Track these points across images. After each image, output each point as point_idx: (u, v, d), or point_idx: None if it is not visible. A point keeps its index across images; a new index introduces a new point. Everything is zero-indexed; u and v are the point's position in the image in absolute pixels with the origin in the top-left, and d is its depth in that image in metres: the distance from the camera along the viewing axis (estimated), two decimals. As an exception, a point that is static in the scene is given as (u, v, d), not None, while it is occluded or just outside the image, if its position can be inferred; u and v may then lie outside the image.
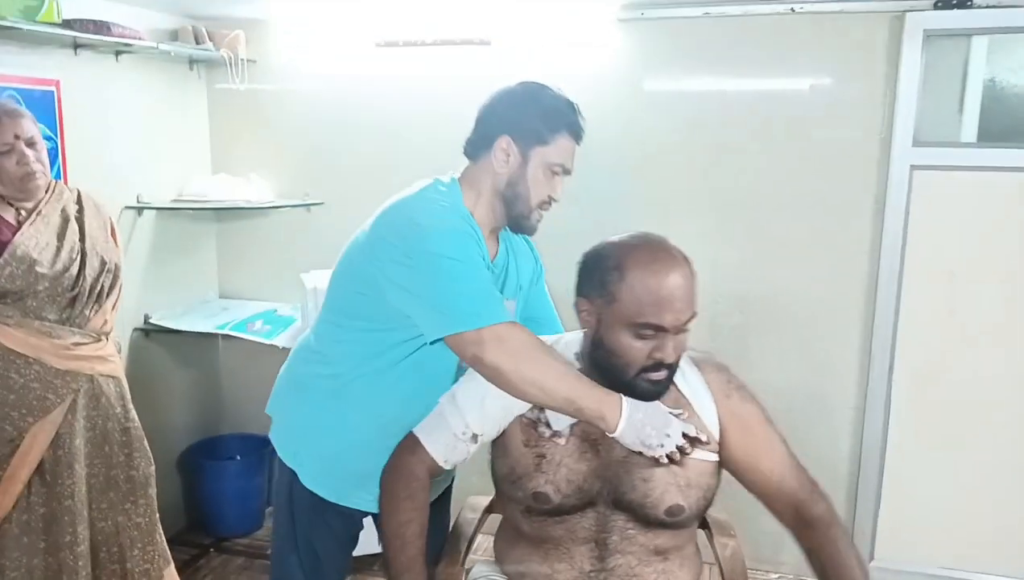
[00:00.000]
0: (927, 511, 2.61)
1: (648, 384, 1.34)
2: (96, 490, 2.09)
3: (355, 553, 1.73)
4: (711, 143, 2.59)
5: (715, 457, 1.41)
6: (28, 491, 2.00)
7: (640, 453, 1.35)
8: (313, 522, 1.61)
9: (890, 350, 2.54)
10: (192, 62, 2.78)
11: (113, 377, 2.11)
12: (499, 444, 1.46)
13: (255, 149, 2.91)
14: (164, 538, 2.24)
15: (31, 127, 1.95)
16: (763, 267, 2.61)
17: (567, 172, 1.55)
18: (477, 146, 1.55)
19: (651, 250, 1.35)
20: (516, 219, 1.55)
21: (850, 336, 2.59)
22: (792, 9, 2.44)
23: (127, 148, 2.55)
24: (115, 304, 2.15)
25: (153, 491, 2.18)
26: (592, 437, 1.39)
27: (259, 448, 2.97)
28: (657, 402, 1.35)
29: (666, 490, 1.36)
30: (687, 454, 1.34)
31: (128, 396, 2.15)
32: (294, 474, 1.59)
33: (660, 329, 1.31)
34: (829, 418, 2.63)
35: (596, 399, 1.34)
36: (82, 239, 2.04)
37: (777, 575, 2.73)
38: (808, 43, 2.47)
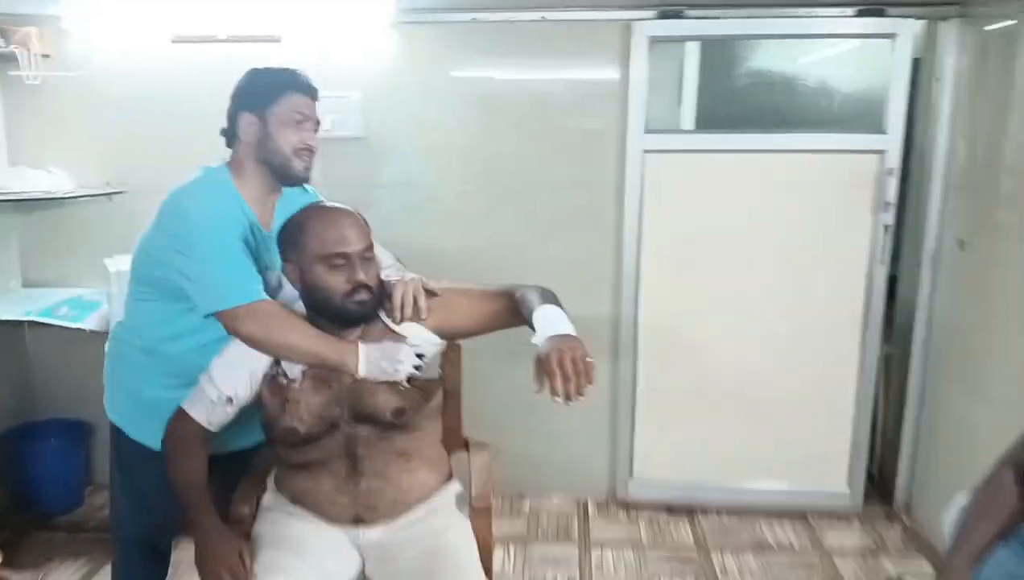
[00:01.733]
0: (674, 436, 3.15)
1: (355, 306, 1.68)
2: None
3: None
4: (481, 133, 2.97)
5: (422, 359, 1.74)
6: None
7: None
8: (136, 468, 1.95)
9: (635, 300, 3.04)
10: (-19, 57, 2.85)
11: None
12: (257, 402, 1.77)
13: (53, 141, 3.00)
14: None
15: None
16: (530, 240, 3.04)
17: (309, 119, 1.84)
18: (231, 133, 1.87)
19: (320, 206, 1.75)
20: (281, 171, 1.84)
21: (604, 288, 3.06)
22: (543, 17, 2.86)
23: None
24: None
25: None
26: (323, 374, 1.72)
27: (75, 430, 3.10)
28: (387, 346, 1.70)
29: (388, 398, 1.71)
30: (421, 370, 1.71)
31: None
32: (119, 429, 1.95)
33: (345, 256, 1.66)
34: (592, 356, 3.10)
35: (337, 350, 1.70)
36: None
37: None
38: (559, 46, 2.90)
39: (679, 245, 3.01)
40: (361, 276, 1.67)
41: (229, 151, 1.90)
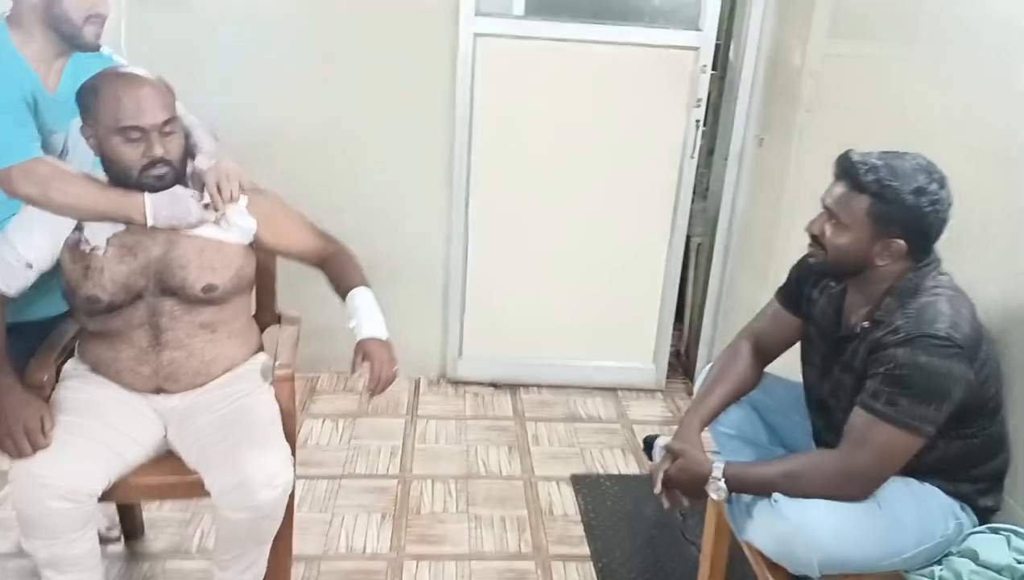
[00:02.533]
0: (501, 317, 3.30)
1: (152, 180, 1.68)
2: None
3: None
4: (311, 9, 2.90)
5: (242, 242, 1.82)
6: None
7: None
8: None
9: (465, 186, 3.11)
10: None
11: None
12: (58, 267, 1.74)
13: None
14: None
15: None
16: (361, 120, 3.02)
17: None
18: None
19: (116, 73, 1.69)
20: (71, 39, 1.74)
21: (438, 174, 3.11)
22: None
23: None
24: None
25: None
26: (129, 244, 1.72)
27: None
28: (176, 191, 1.71)
29: (200, 273, 1.74)
30: (218, 211, 1.74)
31: None
32: None
33: (141, 129, 1.64)
34: (424, 241, 3.19)
35: (120, 205, 1.67)
36: None
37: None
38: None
39: (507, 131, 3.08)
40: (159, 151, 1.65)
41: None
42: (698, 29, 2.98)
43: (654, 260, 3.26)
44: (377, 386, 1.72)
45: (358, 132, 3.03)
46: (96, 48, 1.78)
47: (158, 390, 1.79)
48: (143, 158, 1.65)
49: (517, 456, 2.84)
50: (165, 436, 1.80)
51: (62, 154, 1.81)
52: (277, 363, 1.88)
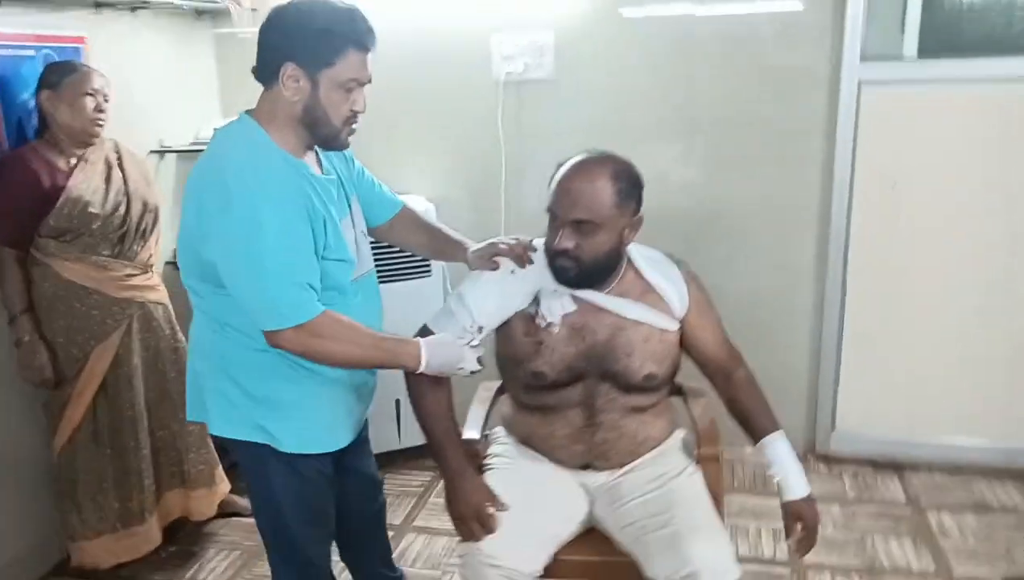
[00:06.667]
0: (880, 388, 2.96)
1: (557, 270, 1.65)
2: (152, 403, 2.39)
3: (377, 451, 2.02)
4: (674, 67, 2.83)
5: (677, 330, 1.74)
6: (94, 406, 2.29)
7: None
8: (307, 485, 1.66)
9: (843, 252, 2.85)
10: (199, 12, 2.99)
11: (161, 303, 2.40)
12: (503, 334, 1.76)
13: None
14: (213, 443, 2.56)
15: (104, 81, 2.22)
16: (727, 184, 2.88)
17: (363, 84, 1.52)
18: (264, 74, 1.50)
19: (577, 156, 1.66)
20: (325, 141, 1.56)
21: (806, 242, 2.89)
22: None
23: (147, 97, 2.78)
24: (157, 240, 2.42)
25: (203, 401, 2.48)
26: (578, 326, 1.69)
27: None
28: (446, 338, 1.65)
29: (644, 362, 1.68)
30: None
31: (174, 320, 2.43)
32: (269, 450, 1.60)
33: (554, 215, 1.62)
34: (790, 316, 2.96)
35: (399, 354, 1.57)
36: (125, 183, 2.29)
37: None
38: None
39: (893, 188, 2.78)
40: (558, 242, 1.63)
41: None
42: None
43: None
44: (807, 550, 1.68)
45: (727, 195, 2.89)
46: (346, 148, 1.62)
47: (586, 466, 1.75)
48: (552, 245, 1.65)
49: (926, 551, 2.47)
50: (590, 512, 1.75)
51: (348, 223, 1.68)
52: (700, 441, 1.76)
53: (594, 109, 2.89)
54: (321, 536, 1.76)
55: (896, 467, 2.96)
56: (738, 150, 2.86)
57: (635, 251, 1.76)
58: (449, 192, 3.04)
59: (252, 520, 2.43)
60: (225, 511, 2.64)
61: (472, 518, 1.60)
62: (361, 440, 1.82)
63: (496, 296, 1.71)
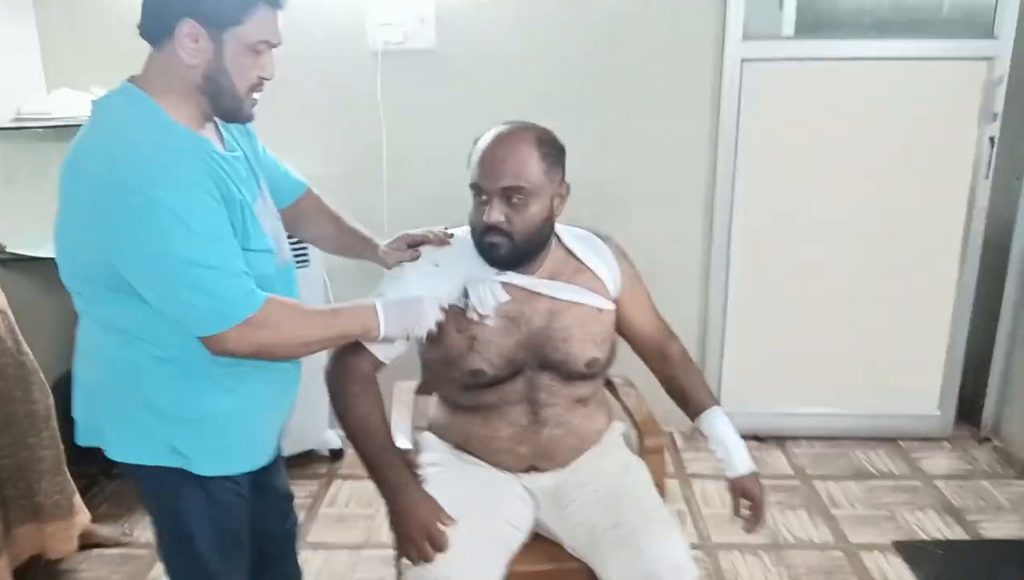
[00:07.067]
0: (765, 359, 3.03)
1: (487, 248, 1.52)
2: (-5, 428, 2.03)
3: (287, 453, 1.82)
4: (560, 44, 2.73)
5: (613, 310, 1.65)
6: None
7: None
8: (230, 508, 1.43)
9: (728, 221, 2.88)
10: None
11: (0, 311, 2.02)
12: (433, 335, 1.57)
13: (94, 61, 2.72)
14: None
15: None
16: (615, 158, 2.83)
17: (273, 47, 1.32)
18: (154, 31, 1.26)
19: (497, 127, 1.55)
20: (227, 113, 1.33)
21: (695, 208, 2.90)
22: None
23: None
24: (-10, 233, 2.04)
25: (55, 422, 2.13)
26: (512, 315, 1.56)
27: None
28: (410, 298, 1.47)
29: (584, 346, 1.57)
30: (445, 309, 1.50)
31: (16, 328, 2.06)
32: (182, 475, 1.35)
33: (480, 190, 1.50)
34: (678, 292, 2.95)
35: (354, 321, 1.39)
36: None
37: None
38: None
39: (776, 160, 2.84)
40: (491, 217, 1.49)
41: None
42: (993, 37, 2.68)
43: (941, 293, 2.94)
44: (757, 525, 1.65)
45: (615, 168, 2.84)
46: (250, 120, 1.37)
47: (529, 468, 1.62)
48: (481, 223, 1.51)
49: (821, 521, 2.55)
50: (536, 517, 1.63)
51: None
52: (644, 433, 1.69)
53: (479, 83, 2.74)
54: (239, 566, 1.50)
55: (779, 440, 3.05)
56: (625, 124, 2.81)
57: (561, 229, 1.65)
58: (324, 171, 2.77)
59: (118, 551, 2.13)
60: (87, 543, 2.29)
61: (422, 537, 1.44)
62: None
63: (424, 292, 1.53)
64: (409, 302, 1.46)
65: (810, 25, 2.77)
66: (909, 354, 2.99)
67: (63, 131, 2.72)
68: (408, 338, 1.49)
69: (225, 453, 1.38)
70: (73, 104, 2.58)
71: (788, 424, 3.07)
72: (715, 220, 2.89)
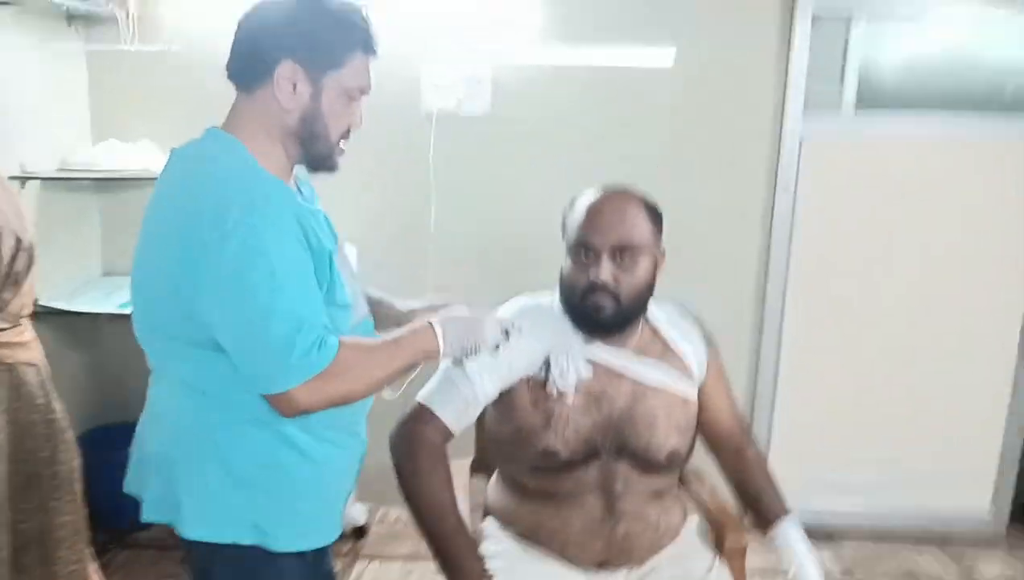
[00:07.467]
0: (810, 445, 2.90)
1: (590, 309, 1.42)
2: (18, 490, 1.90)
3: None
4: (619, 116, 2.68)
5: (696, 399, 1.54)
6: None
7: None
8: None
9: (781, 298, 2.79)
10: (70, 17, 2.52)
11: (34, 365, 1.91)
12: (501, 406, 1.49)
13: (143, 114, 2.68)
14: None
15: None
16: (672, 227, 2.73)
17: (365, 94, 1.29)
18: (249, 74, 1.22)
19: (595, 188, 1.47)
20: (317, 160, 1.29)
21: (746, 291, 2.81)
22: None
23: (6, 114, 2.29)
24: (32, 286, 1.95)
25: (79, 486, 2.01)
26: (595, 391, 1.45)
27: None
28: (466, 313, 1.36)
29: (668, 436, 1.46)
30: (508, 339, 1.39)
31: (49, 385, 1.95)
32: (259, 552, 1.26)
33: (586, 247, 1.41)
34: (729, 365, 2.83)
35: (415, 346, 1.28)
36: None
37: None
38: (707, 20, 2.61)
39: (831, 238, 2.77)
40: (598, 275, 1.41)
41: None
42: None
43: (999, 384, 2.83)
44: None
45: (666, 239, 2.74)
46: (335, 170, 1.32)
47: (602, 564, 1.49)
48: (585, 282, 1.42)
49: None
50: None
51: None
52: (726, 531, 1.56)
53: (532, 149, 2.68)
54: None
55: (827, 536, 2.87)
56: (681, 196, 2.73)
57: (649, 303, 1.55)
58: (369, 234, 2.70)
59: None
60: (101, 618, 2.15)
61: None
62: None
63: (504, 363, 1.44)
64: (468, 318, 1.35)
65: (869, 102, 2.71)
66: (962, 447, 2.87)
67: (105, 183, 2.69)
68: (466, 357, 1.37)
69: (303, 526, 1.28)
70: (119, 156, 2.53)
71: (837, 520, 2.91)
72: (767, 292, 2.79)
